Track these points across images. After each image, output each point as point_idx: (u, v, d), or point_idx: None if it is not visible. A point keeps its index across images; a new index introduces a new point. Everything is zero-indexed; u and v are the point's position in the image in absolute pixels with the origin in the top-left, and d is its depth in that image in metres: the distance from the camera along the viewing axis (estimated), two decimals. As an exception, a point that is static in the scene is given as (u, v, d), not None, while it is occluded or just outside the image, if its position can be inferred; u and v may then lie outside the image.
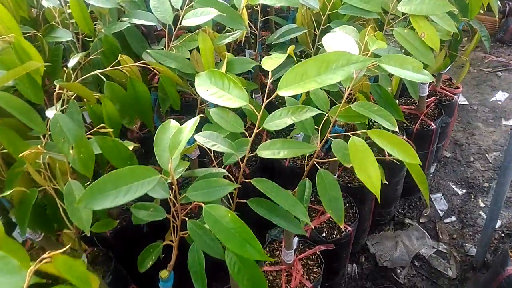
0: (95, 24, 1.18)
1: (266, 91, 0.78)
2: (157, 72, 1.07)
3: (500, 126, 2.16)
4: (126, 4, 1.27)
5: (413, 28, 1.17)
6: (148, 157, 1.49)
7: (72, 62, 1.04)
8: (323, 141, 0.92)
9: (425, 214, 1.79)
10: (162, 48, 1.18)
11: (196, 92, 1.10)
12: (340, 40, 0.93)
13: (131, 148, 0.81)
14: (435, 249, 1.64)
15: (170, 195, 0.73)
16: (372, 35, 1.08)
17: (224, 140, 0.82)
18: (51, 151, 0.79)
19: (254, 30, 1.38)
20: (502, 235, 1.69)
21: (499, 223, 1.73)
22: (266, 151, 0.78)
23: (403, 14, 1.15)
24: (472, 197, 1.84)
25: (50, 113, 0.76)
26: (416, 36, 1.11)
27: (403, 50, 1.20)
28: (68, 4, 1.10)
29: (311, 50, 1.26)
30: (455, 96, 1.76)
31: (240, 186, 0.75)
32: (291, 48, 0.86)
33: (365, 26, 1.25)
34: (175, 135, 0.71)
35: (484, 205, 1.81)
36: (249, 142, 0.81)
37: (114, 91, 1.02)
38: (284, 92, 0.72)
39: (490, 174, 1.93)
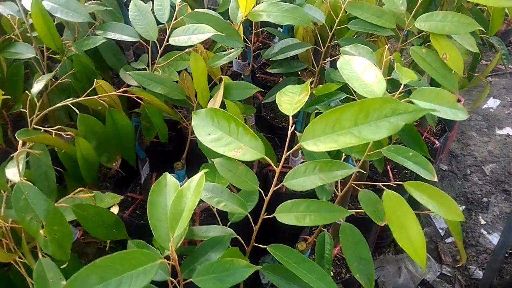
0: (63, 38, 1.00)
1: (287, 141, 0.63)
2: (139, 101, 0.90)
3: (494, 136, 2.09)
4: (100, 13, 1.10)
5: (429, 45, 1.05)
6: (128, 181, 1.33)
7: (36, 87, 0.86)
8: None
9: (425, 233, 1.69)
10: (145, 68, 1.02)
11: (186, 122, 0.95)
12: (360, 66, 0.80)
13: (115, 211, 0.64)
14: (439, 272, 1.55)
15: (169, 276, 0.57)
16: (389, 57, 0.95)
17: (231, 196, 0.67)
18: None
19: (244, 38, 1.22)
20: (506, 255, 1.61)
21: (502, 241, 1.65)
22: (288, 215, 0.63)
23: (419, 31, 1.02)
24: (472, 213, 1.77)
25: (11, 174, 0.58)
26: (436, 57, 0.98)
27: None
28: (29, 13, 0.90)
29: (314, 69, 1.11)
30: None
31: (260, 268, 0.60)
32: (307, 83, 0.72)
33: (376, 43, 1.12)
34: (176, 202, 0.55)
35: (485, 223, 1.73)
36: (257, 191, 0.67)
37: (90, 126, 0.85)
38: (311, 146, 0.57)
39: (488, 188, 1.85)
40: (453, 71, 0.97)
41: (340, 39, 1.05)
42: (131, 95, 0.85)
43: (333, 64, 1.30)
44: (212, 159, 0.67)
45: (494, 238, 1.68)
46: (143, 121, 0.95)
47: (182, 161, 1.00)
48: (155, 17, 0.95)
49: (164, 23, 0.94)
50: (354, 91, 0.78)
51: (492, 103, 2.28)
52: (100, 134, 0.86)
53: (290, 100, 0.67)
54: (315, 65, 1.10)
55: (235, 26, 0.98)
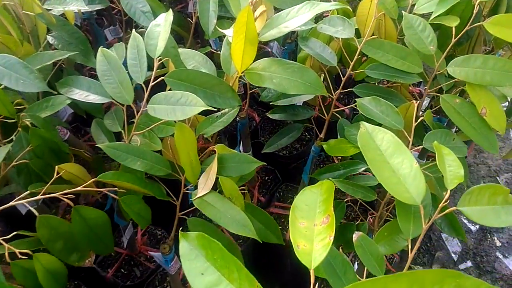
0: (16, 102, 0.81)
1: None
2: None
3: (509, 140, 1.94)
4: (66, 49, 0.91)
5: (463, 89, 0.88)
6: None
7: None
8: None
9: (438, 259, 1.58)
10: (120, 132, 0.84)
11: (173, 199, 0.79)
12: (386, 144, 0.64)
13: None
14: (453, 305, 1.44)
15: None
16: (421, 119, 0.78)
17: None
18: None
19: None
20: (524, 281, 1.51)
21: (518, 266, 1.55)
22: None
23: (448, 75, 0.84)
24: (487, 234, 1.65)
25: None
26: (473, 111, 0.81)
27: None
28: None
29: (324, 116, 0.93)
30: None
31: None
32: (328, 189, 0.55)
33: (398, 89, 0.94)
34: None
35: (500, 244, 1.62)
36: None
37: (53, 227, 0.68)
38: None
39: (503, 203, 1.73)
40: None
41: (356, 87, 0.87)
42: (104, 190, 0.68)
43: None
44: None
45: (511, 262, 1.56)
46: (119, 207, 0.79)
47: (169, 242, 0.84)
48: (129, 76, 0.77)
49: (140, 83, 0.76)
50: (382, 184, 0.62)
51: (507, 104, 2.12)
52: (67, 234, 0.69)
53: (308, 233, 0.51)
54: (324, 112, 0.93)
55: (229, 80, 0.80)
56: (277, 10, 1.06)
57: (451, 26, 0.81)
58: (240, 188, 0.80)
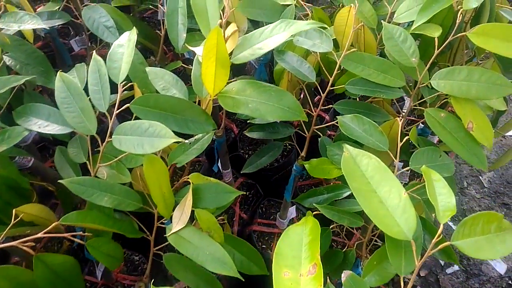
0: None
1: None
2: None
3: (496, 148, 1.94)
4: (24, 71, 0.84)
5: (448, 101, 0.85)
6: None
7: None
8: None
9: (425, 264, 1.56)
10: (85, 163, 0.77)
11: (147, 234, 0.73)
12: (372, 171, 0.60)
13: None
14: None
15: None
16: (406, 138, 0.74)
17: None
18: None
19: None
20: (510, 282, 1.50)
21: (504, 267, 1.54)
22: None
23: (431, 86, 0.80)
24: (473, 235, 1.63)
25: None
26: (459, 125, 0.78)
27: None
28: None
29: (304, 134, 0.88)
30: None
31: None
32: (313, 233, 0.51)
33: (379, 103, 0.90)
34: None
35: (486, 245, 1.61)
36: None
37: (14, 277, 0.62)
38: None
39: (487, 202, 1.72)
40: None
41: (337, 104, 0.83)
42: (68, 235, 0.62)
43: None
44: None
45: (497, 264, 1.55)
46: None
47: (144, 279, 0.78)
48: (92, 104, 0.70)
49: (104, 111, 0.69)
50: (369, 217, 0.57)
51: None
52: (30, 284, 0.63)
53: (293, 286, 0.46)
54: (305, 129, 0.88)
55: (203, 103, 0.75)
56: (253, 22, 1.02)
57: (433, 36, 0.77)
58: (219, 218, 0.75)
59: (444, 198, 0.57)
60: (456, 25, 0.77)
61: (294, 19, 0.94)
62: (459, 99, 0.76)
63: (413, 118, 1.22)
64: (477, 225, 0.56)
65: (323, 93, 0.83)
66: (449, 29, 0.87)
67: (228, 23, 0.73)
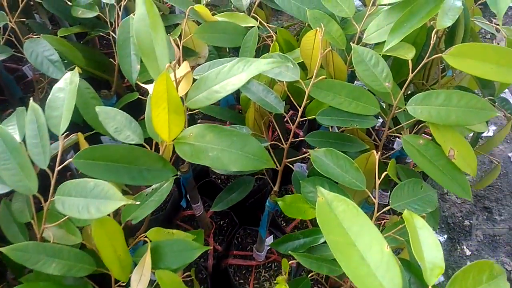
0: None
1: None
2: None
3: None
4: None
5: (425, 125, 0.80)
6: None
7: None
8: None
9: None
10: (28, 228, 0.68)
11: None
12: (349, 220, 0.54)
13: None
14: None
15: None
16: (385, 173, 0.68)
17: None
18: None
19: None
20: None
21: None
22: None
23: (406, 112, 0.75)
24: (456, 244, 1.60)
25: None
26: (440, 153, 0.73)
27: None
28: None
29: (276, 168, 0.81)
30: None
31: None
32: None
33: (353, 132, 0.84)
34: None
35: (470, 253, 1.58)
36: None
37: None
38: None
39: (468, 207, 1.69)
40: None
41: (309, 135, 0.76)
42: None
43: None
44: None
45: (483, 271, 1.52)
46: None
47: None
48: (30, 159, 0.61)
49: (44, 168, 0.61)
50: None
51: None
52: None
53: None
54: (276, 162, 0.81)
55: (161, 145, 0.67)
56: (216, 46, 0.94)
57: (406, 59, 0.72)
58: (185, 275, 0.68)
59: (431, 253, 0.51)
60: (431, 46, 0.71)
61: (258, 41, 0.88)
62: (438, 126, 0.71)
63: (390, 134, 1.17)
64: (468, 279, 0.51)
65: (293, 124, 0.76)
66: (422, 47, 0.82)
67: (183, 59, 0.65)
